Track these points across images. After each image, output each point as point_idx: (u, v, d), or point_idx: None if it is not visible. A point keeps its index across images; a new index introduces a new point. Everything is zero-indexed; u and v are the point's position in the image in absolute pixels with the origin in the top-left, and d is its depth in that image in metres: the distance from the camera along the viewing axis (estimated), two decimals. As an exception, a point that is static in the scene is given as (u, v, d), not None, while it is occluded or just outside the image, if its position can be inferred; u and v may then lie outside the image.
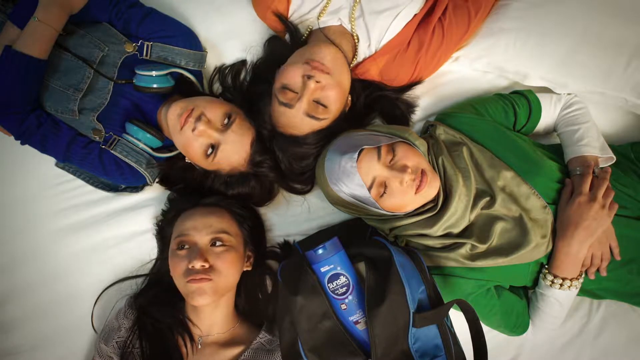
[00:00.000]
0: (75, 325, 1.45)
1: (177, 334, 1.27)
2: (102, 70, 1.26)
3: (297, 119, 1.22)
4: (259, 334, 1.31)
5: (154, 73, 1.25)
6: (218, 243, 1.23)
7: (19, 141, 1.29)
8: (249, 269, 1.34)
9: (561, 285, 1.22)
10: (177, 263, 1.21)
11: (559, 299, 1.24)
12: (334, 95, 1.22)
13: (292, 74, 1.21)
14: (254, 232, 1.38)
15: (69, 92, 1.24)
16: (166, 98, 1.35)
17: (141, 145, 1.29)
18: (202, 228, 1.24)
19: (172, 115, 1.21)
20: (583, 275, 1.24)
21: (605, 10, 1.28)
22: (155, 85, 1.25)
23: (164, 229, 1.39)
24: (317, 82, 1.18)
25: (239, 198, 1.36)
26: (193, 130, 1.18)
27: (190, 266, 1.18)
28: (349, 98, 1.34)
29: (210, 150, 1.22)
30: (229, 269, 1.22)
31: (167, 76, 1.29)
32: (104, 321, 1.40)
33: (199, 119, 1.18)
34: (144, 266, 1.46)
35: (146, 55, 1.30)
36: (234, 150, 1.24)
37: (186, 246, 1.23)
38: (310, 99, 1.20)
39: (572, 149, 1.28)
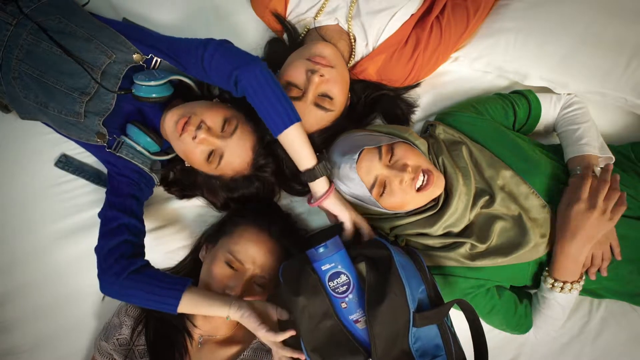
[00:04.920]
0: (75, 325, 1.45)
1: (178, 331, 1.28)
2: (104, 83, 1.24)
3: (307, 111, 1.24)
4: None
5: (152, 83, 1.23)
6: (260, 282, 1.25)
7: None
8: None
9: (562, 288, 1.21)
10: (220, 274, 1.23)
11: (560, 302, 1.24)
12: (338, 87, 1.25)
13: (295, 71, 1.24)
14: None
15: (75, 94, 1.23)
16: (168, 104, 1.33)
17: (138, 148, 1.28)
18: (258, 263, 1.25)
19: (169, 122, 1.21)
20: (584, 278, 1.24)
21: (605, 10, 1.28)
22: (154, 95, 1.24)
23: (218, 232, 1.37)
24: (321, 75, 1.21)
25: (244, 199, 1.35)
26: (193, 138, 1.18)
27: (227, 290, 1.20)
28: (349, 95, 1.35)
29: (211, 156, 1.22)
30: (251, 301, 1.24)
31: (167, 84, 1.27)
32: (104, 318, 1.40)
33: (199, 127, 1.18)
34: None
35: (153, 68, 1.29)
36: (236, 155, 1.23)
37: (234, 267, 1.24)
38: (316, 93, 1.24)
39: (571, 149, 1.28)
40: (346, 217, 1.21)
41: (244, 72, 1.14)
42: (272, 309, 1.15)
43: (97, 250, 1.22)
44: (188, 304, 1.15)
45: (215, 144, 1.20)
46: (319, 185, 1.19)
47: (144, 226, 1.28)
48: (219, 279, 1.23)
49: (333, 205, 1.21)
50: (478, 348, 1.08)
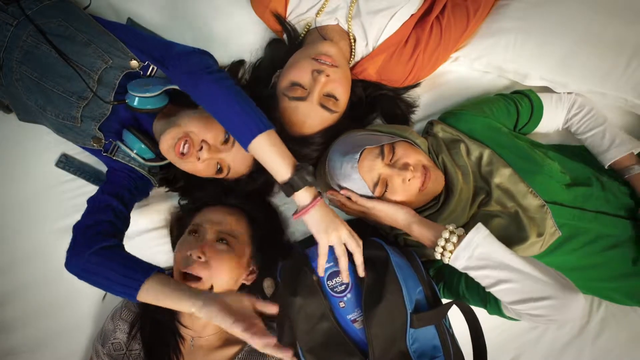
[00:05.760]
0: (75, 325, 1.45)
1: (172, 334, 1.27)
2: (101, 89, 1.22)
3: (312, 111, 1.24)
4: None
5: (147, 95, 1.20)
6: (223, 241, 1.24)
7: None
8: (247, 283, 1.30)
9: (442, 254, 1.06)
10: (181, 247, 1.23)
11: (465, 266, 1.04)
12: (342, 87, 1.26)
13: (301, 71, 1.24)
14: (266, 244, 1.34)
15: (72, 99, 1.22)
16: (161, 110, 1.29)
17: (132, 154, 1.26)
18: (215, 223, 1.26)
19: (166, 147, 1.17)
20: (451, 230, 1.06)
21: (605, 10, 1.28)
22: (149, 107, 1.21)
23: (182, 220, 1.38)
24: (327, 75, 1.21)
25: (248, 193, 1.36)
26: (198, 159, 1.17)
27: (188, 253, 1.18)
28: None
29: (219, 167, 1.21)
30: (222, 270, 1.19)
31: (162, 94, 1.23)
32: (103, 319, 1.39)
33: (200, 148, 1.16)
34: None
35: (149, 75, 1.27)
36: (239, 162, 1.23)
37: (196, 234, 1.25)
38: (322, 93, 1.23)
39: (611, 153, 1.30)
40: (322, 241, 1.07)
41: (196, 86, 1.11)
42: (254, 302, 1.01)
43: (75, 226, 1.16)
44: (151, 292, 1.03)
45: (219, 157, 1.20)
46: (299, 198, 1.08)
47: (129, 216, 1.24)
48: (180, 251, 1.21)
49: (312, 221, 1.07)
50: (477, 349, 1.08)
